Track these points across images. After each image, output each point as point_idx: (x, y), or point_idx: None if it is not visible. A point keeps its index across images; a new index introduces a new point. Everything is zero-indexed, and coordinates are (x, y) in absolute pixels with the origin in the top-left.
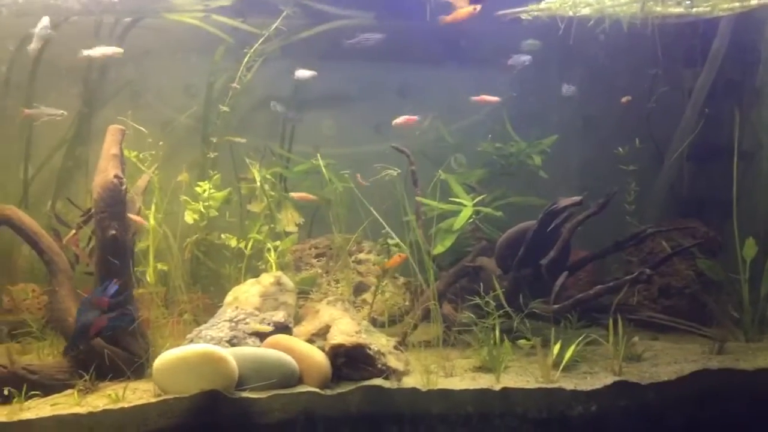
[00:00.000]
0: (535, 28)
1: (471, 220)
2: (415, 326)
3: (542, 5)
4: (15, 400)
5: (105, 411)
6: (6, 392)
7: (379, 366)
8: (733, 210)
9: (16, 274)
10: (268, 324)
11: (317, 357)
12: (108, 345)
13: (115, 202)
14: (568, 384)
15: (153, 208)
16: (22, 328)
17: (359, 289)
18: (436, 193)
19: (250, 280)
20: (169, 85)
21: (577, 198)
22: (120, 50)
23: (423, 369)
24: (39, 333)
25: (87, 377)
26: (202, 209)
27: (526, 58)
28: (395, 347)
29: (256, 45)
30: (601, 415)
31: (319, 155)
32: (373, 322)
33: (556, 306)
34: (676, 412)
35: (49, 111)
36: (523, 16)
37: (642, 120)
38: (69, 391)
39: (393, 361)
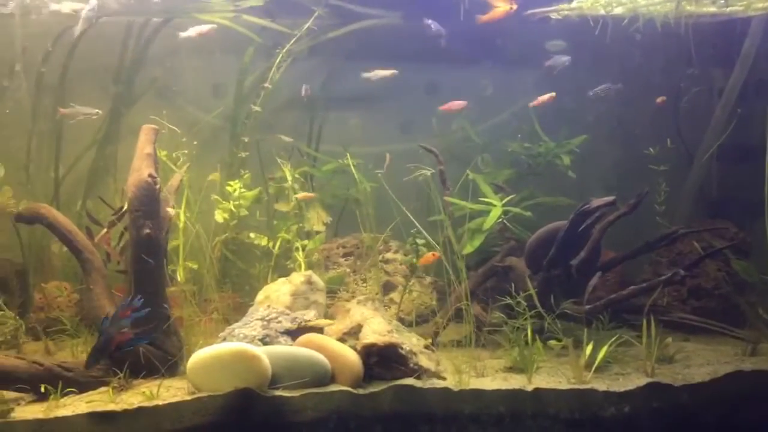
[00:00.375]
0: (563, 28)
1: (499, 220)
2: (445, 326)
3: (573, 4)
4: (51, 397)
5: (140, 408)
6: (43, 389)
7: (411, 365)
8: (764, 210)
9: (49, 273)
10: (300, 323)
11: (350, 356)
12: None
13: (149, 201)
14: (601, 385)
15: (183, 206)
16: (54, 326)
17: (386, 288)
18: (463, 192)
19: (281, 279)
20: (197, 85)
21: (609, 198)
22: None
23: (454, 369)
24: (73, 330)
25: (121, 375)
26: (233, 208)
27: (565, 59)
28: (426, 347)
29: (289, 45)
30: (634, 416)
31: (348, 155)
32: (401, 321)
33: (588, 306)
34: (709, 414)
35: (85, 110)
36: (553, 16)
37: (671, 120)
38: (103, 388)
39: (424, 361)
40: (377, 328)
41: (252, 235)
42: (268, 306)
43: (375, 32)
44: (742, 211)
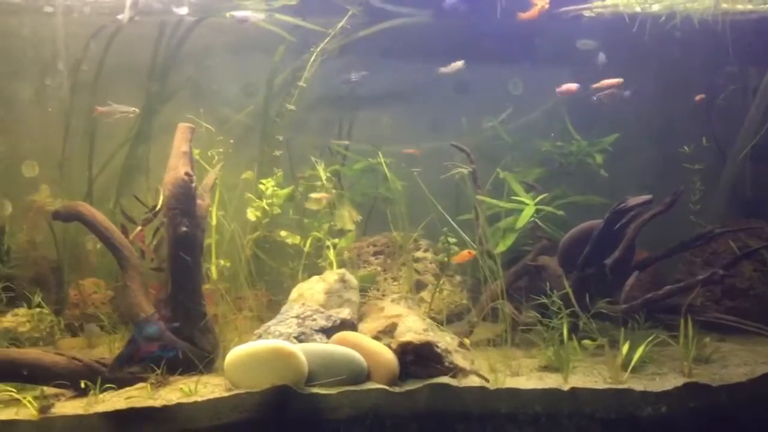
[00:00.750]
0: (595, 25)
1: (531, 218)
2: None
3: (608, 2)
4: (91, 392)
5: (179, 404)
6: (83, 385)
7: (447, 364)
8: None
9: (84, 270)
10: (335, 321)
11: (386, 354)
12: (179, 340)
13: (185, 199)
14: (638, 385)
15: (215, 205)
16: (89, 322)
17: (417, 287)
18: (494, 191)
19: (315, 277)
20: (228, 83)
21: (647, 197)
22: None
23: (489, 368)
24: (110, 327)
25: (159, 371)
26: (266, 206)
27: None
28: (460, 345)
29: (323, 44)
30: (671, 416)
31: (380, 153)
32: (432, 320)
33: (624, 306)
34: (747, 414)
35: (122, 108)
36: (586, 13)
37: (704, 118)
38: (141, 384)
39: (459, 360)
40: (413, 327)
41: (283, 233)
42: (303, 304)
43: (405, 30)
44: None
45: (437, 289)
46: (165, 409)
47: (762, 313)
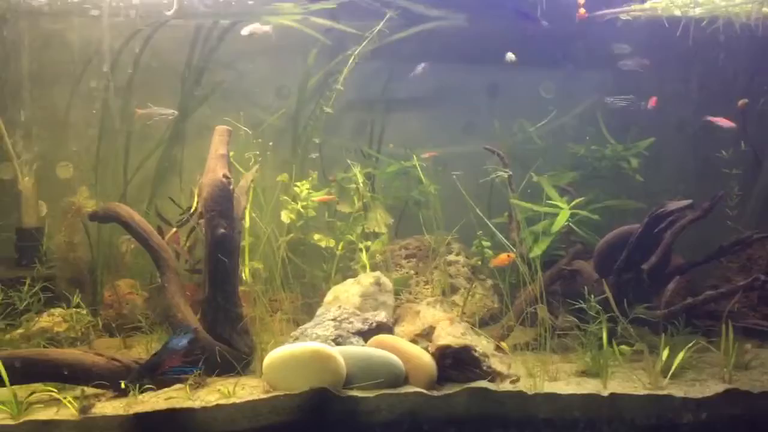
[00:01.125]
0: (631, 29)
1: (566, 223)
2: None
3: (647, 5)
4: (131, 393)
5: (218, 406)
6: (123, 385)
7: (484, 368)
8: None
9: (118, 270)
10: (371, 324)
11: (424, 358)
12: (216, 341)
13: (223, 201)
14: (678, 391)
15: (249, 206)
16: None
17: (449, 291)
18: (525, 195)
19: (350, 280)
20: (260, 86)
21: (686, 201)
22: None
23: (526, 372)
24: (147, 328)
25: (197, 372)
26: (301, 209)
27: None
28: (497, 349)
29: (360, 47)
30: (711, 423)
31: (414, 156)
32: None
33: (664, 311)
34: None
35: (161, 111)
36: (623, 17)
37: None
38: (178, 385)
39: (497, 364)
40: (451, 330)
41: (317, 236)
42: (339, 306)
43: (436, 34)
44: None
45: (469, 293)
46: (204, 410)
47: None
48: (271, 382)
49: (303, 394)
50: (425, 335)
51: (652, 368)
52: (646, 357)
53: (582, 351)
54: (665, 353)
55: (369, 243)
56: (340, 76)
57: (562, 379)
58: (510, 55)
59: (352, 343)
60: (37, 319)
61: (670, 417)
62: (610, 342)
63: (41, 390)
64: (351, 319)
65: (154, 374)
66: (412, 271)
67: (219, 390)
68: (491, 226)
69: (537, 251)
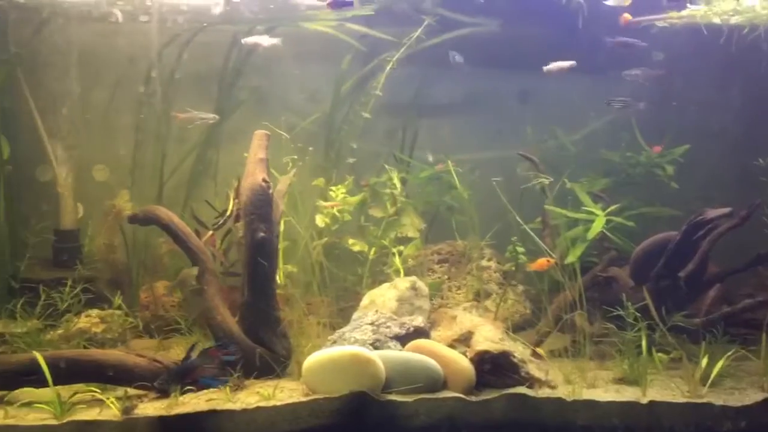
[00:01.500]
0: (666, 36)
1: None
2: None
3: (684, 12)
4: (172, 394)
5: (258, 408)
6: (156, 385)
7: (523, 374)
8: None
9: (154, 272)
10: (408, 329)
11: (462, 363)
12: (255, 344)
13: (263, 205)
14: (717, 399)
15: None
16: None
17: (480, 296)
18: (558, 201)
19: (385, 284)
20: (294, 91)
21: (726, 209)
22: None
23: (563, 379)
24: (186, 330)
25: (237, 374)
26: (336, 213)
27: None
28: (534, 355)
29: (399, 53)
30: None
31: (449, 162)
32: None
33: (703, 319)
34: None
35: (202, 115)
36: (659, 24)
37: None
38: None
39: (534, 370)
40: (489, 335)
41: (351, 241)
42: (377, 311)
43: (469, 40)
44: None
45: (502, 299)
46: (244, 412)
47: None
48: (310, 385)
49: (342, 398)
50: (463, 340)
51: (690, 376)
52: (685, 365)
53: (620, 358)
54: (704, 361)
55: (401, 247)
56: (375, 81)
57: (599, 386)
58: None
59: (389, 347)
60: (76, 320)
61: (709, 425)
62: (649, 349)
63: (84, 390)
64: (388, 324)
65: (183, 380)
66: (445, 276)
67: (258, 392)
68: (530, 232)
69: (572, 257)
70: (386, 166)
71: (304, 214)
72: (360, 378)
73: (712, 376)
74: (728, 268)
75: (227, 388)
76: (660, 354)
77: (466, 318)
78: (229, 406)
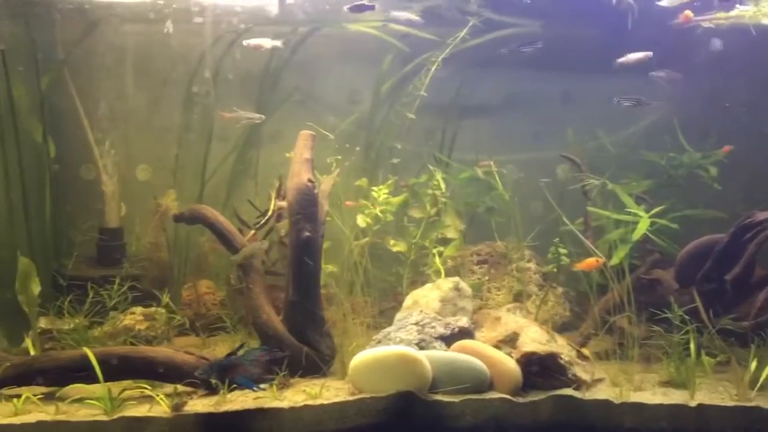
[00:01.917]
0: (711, 37)
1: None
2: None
3: (732, 13)
4: (221, 392)
5: (306, 406)
6: (214, 383)
7: (569, 376)
8: None
9: (205, 270)
10: (453, 329)
11: (509, 364)
12: (300, 343)
13: (308, 205)
14: (766, 403)
15: None
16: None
17: (520, 297)
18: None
19: (428, 285)
20: (334, 91)
21: None
22: None
23: (610, 381)
24: (230, 328)
25: (283, 373)
26: (379, 213)
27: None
28: (580, 357)
29: (443, 54)
30: None
31: (492, 163)
32: None
33: (752, 322)
34: None
35: (248, 115)
36: (705, 24)
37: None
38: (263, 385)
39: (580, 372)
40: (536, 337)
41: (392, 241)
42: (421, 311)
43: (509, 40)
44: None
45: (543, 300)
46: (292, 410)
47: None
48: (356, 385)
49: (389, 397)
50: (508, 341)
51: (739, 380)
52: (734, 368)
53: (666, 361)
54: (753, 364)
55: (441, 248)
56: (419, 81)
57: (646, 389)
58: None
59: (434, 347)
60: (121, 317)
61: (758, 429)
62: (697, 352)
63: (132, 387)
64: (433, 324)
65: (222, 375)
66: (485, 277)
67: (304, 391)
68: (578, 233)
69: (616, 259)
70: (430, 167)
71: (348, 215)
72: (407, 378)
73: (761, 379)
74: None
75: (273, 386)
76: (707, 357)
77: (510, 319)
78: (277, 404)
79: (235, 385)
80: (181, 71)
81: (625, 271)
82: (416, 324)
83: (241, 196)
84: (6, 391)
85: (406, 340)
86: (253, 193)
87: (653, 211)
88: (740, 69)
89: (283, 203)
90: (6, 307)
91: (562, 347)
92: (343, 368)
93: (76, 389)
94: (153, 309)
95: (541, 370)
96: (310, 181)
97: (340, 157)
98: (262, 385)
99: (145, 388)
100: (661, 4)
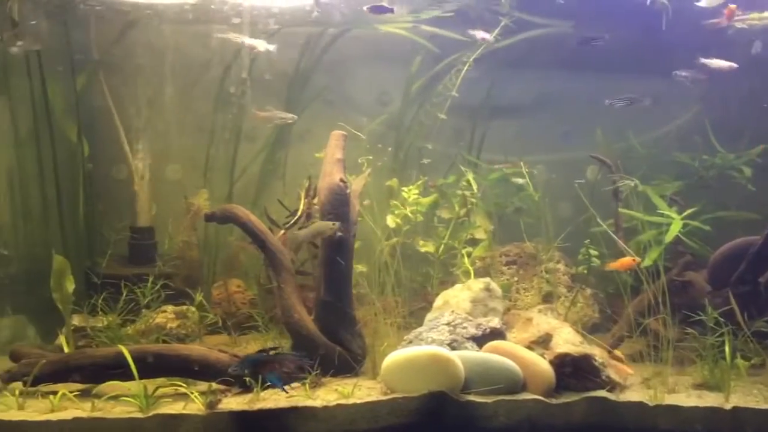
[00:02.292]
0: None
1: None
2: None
3: (766, 13)
4: (255, 390)
5: (338, 405)
6: (248, 382)
7: (603, 377)
8: None
9: (236, 269)
10: (485, 330)
11: (542, 365)
12: (332, 343)
13: (340, 204)
14: None
15: None
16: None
17: (548, 298)
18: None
19: (459, 285)
20: (364, 92)
21: None
22: None
23: (642, 383)
24: (263, 327)
25: (315, 372)
26: (409, 214)
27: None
28: (613, 358)
29: (475, 54)
30: None
31: (522, 164)
32: None
33: None
34: None
35: (281, 114)
36: (738, 25)
37: None
38: (295, 384)
39: (613, 374)
40: (570, 338)
41: (422, 242)
42: (452, 311)
43: (538, 41)
44: None
45: (572, 302)
46: (325, 409)
47: None
48: (389, 384)
49: (421, 397)
50: (541, 343)
51: None
52: None
53: (700, 363)
54: None
55: (470, 249)
56: (449, 82)
57: (680, 392)
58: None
59: (466, 348)
60: (154, 315)
61: None
62: (732, 355)
63: (168, 385)
64: (465, 324)
65: (254, 369)
66: (514, 278)
67: (336, 390)
68: (613, 235)
69: (649, 261)
70: (461, 167)
71: (379, 215)
72: (439, 378)
73: None
74: None
75: (306, 385)
76: (741, 360)
77: (542, 320)
78: (310, 403)
79: (268, 384)
80: (214, 71)
81: (660, 272)
82: (448, 324)
83: (270, 196)
84: (42, 388)
85: (438, 341)
86: (282, 193)
87: (686, 213)
88: None
89: (315, 202)
90: (40, 305)
91: (595, 348)
92: (374, 368)
93: (111, 386)
94: (184, 307)
95: (574, 371)
96: (342, 181)
97: (371, 157)
98: (292, 384)
99: (180, 386)
100: (699, 4)
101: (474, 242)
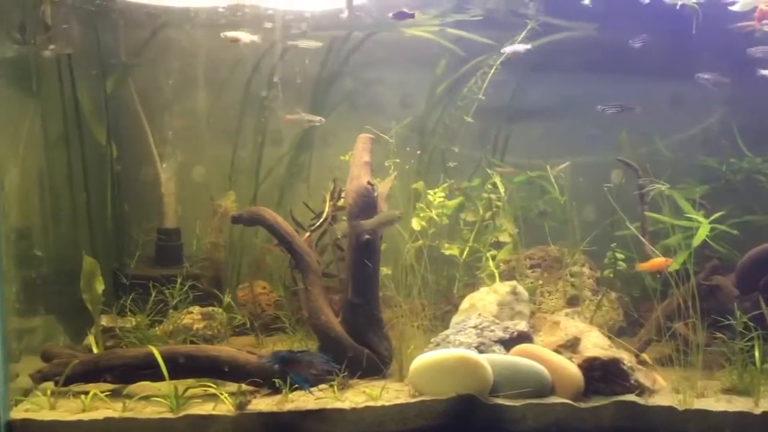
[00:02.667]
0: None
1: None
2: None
3: None
4: (284, 391)
5: (367, 407)
6: (277, 384)
7: (632, 381)
8: None
9: (263, 270)
10: (512, 333)
11: (571, 369)
12: (359, 345)
13: (367, 207)
14: None
15: None
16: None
17: (573, 302)
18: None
19: (485, 288)
20: (387, 95)
21: None
22: None
23: (671, 388)
24: (290, 328)
25: (343, 374)
26: (435, 217)
27: None
28: (640, 363)
29: (502, 57)
30: None
31: (548, 167)
32: None
33: None
34: None
35: (309, 117)
36: (766, 28)
37: None
38: (322, 385)
39: (642, 378)
40: (598, 342)
41: (446, 245)
42: (479, 314)
43: (563, 44)
44: None
45: (598, 305)
46: (354, 411)
47: None
48: (416, 387)
49: (450, 400)
50: (569, 346)
51: None
52: None
53: (729, 368)
54: None
55: (495, 252)
56: (475, 85)
57: (709, 396)
58: None
59: (494, 351)
60: (181, 316)
61: None
62: (762, 360)
63: (197, 386)
64: (492, 328)
65: (284, 366)
66: (538, 281)
67: (364, 392)
68: (642, 238)
69: (676, 265)
70: (488, 170)
71: (405, 218)
72: (468, 381)
73: None
74: None
75: (334, 387)
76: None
77: (570, 324)
78: (338, 404)
79: (296, 386)
80: (241, 74)
81: (689, 275)
82: (475, 327)
83: (294, 198)
84: (74, 388)
85: (465, 343)
86: (306, 195)
87: (713, 217)
88: None
89: (342, 204)
90: (69, 305)
91: (623, 352)
92: (401, 370)
93: (141, 387)
94: (211, 309)
95: (603, 375)
96: (369, 183)
97: (398, 160)
98: (319, 386)
99: (209, 387)
100: (733, 8)
101: (499, 245)
